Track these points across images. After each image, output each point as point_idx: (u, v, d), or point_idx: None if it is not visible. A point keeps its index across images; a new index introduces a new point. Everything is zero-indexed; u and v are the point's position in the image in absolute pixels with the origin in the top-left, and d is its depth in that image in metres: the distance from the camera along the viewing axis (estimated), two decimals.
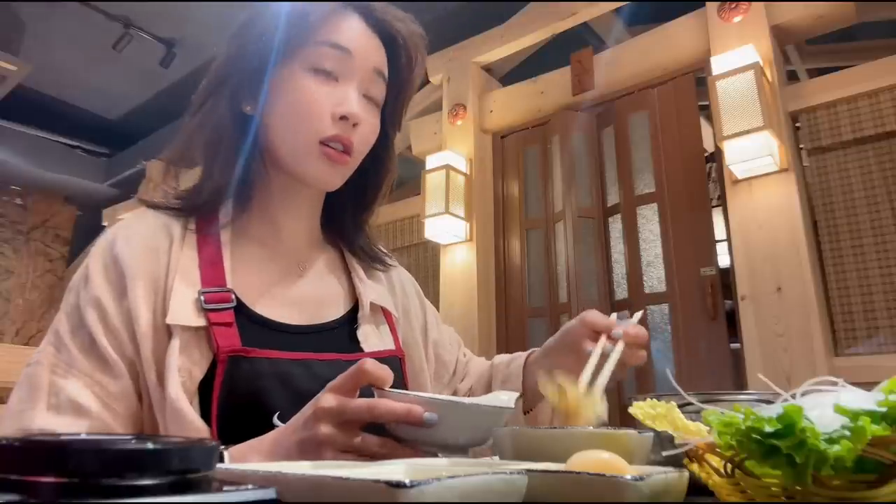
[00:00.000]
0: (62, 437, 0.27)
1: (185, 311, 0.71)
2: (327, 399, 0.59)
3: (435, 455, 0.59)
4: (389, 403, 0.58)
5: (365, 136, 0.82)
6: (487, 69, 3.66)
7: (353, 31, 0.80)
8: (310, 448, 0.58)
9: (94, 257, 0.75)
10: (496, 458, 0.56)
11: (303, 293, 0.84)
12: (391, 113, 0.90)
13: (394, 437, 0.60)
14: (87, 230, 5.69)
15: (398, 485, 0.30)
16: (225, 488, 0.27)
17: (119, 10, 3.83)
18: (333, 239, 0.96)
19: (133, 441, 0.27)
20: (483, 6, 3.58)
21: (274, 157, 0.81)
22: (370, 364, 0.59)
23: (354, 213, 0.94)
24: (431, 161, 3.37)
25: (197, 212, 0.80)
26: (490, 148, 3.57)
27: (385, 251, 0.98)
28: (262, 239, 0.84)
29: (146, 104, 4.86)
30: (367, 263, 0.95)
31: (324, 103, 0.78)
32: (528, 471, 0.38)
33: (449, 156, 3.35)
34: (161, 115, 4.82)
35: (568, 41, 3.42)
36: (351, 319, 0.86)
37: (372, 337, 0.85)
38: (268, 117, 0.80)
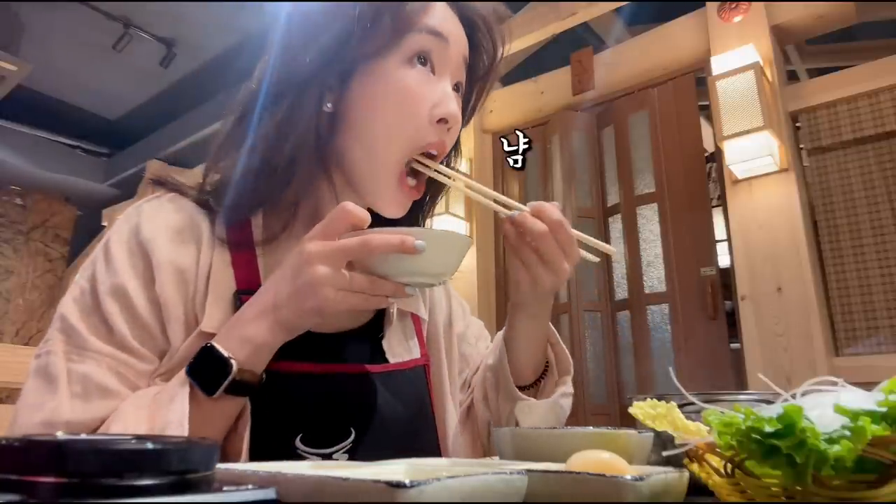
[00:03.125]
0: (62, 437, 0.27)
1: (220, 315, 0.65)
2: (316, 244, 0.58)
3: (409, 285, 0.62)
4: (384, 236, 0.57)
5: (454, 139, 0.73)
6: None
7: (444, 14, 0.71)
8: (308, 294, 0.57)
9: (116, 240, 0.67)
10: (496, 458, 0.56)
11: None
12: (465, 106, 0.79)
13: (368, 273, 0.61)
14: (87, 230, 5.68)
15: (398, 485, 0.30)
16: (225, 488, 0.27)
17: (119, 10, 3.83)
18: None
19: (133, 441, 0.27)
20: None
21: (346, 162, 0.72)
22: (351, 205, 0.59)
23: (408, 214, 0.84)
24: None
25: (230, 211, 0.71)
26: (490, 148, 3.57)
27: None
28: (298, 236, 0.76)
29: (146, 104, 4.85)
30: None
31: (425, 101, 0.68)
32: (528, 471, 0.38)
33: None
34: (161, 115, 4.82)
35: (568, 41, 3.42)
36: (375, 325, 0.80)
37: (397, 346, 0.80)
38: (351, 118, 0.70)
